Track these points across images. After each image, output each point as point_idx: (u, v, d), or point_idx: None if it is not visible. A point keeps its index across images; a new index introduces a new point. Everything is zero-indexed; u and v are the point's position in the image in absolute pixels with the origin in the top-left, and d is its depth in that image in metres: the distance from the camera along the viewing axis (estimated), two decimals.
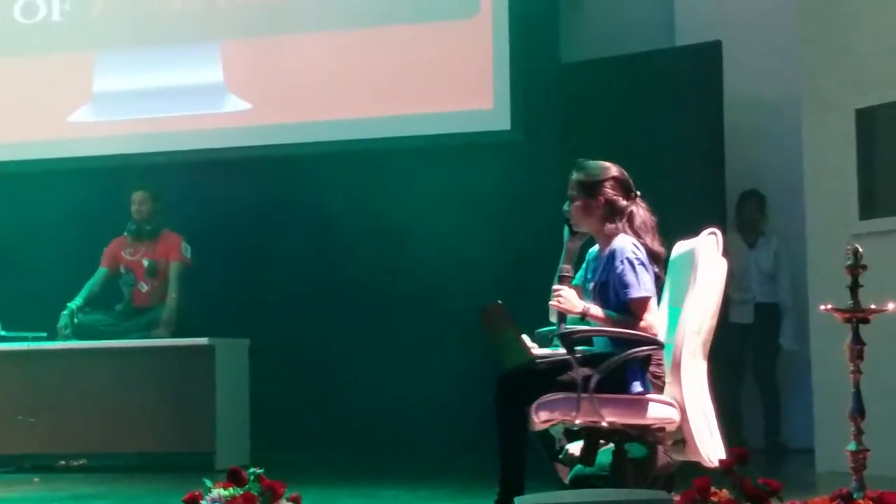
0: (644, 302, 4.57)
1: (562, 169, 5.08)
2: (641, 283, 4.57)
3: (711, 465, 4.44)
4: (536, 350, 4.68)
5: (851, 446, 4.19)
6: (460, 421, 8.06)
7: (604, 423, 4.49)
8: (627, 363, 4.54)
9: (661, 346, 4.60)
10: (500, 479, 4.52)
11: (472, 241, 8.41)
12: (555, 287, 4.65)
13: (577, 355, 4.52)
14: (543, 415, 4.47)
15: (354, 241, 8.76)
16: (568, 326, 4.59)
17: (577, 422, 4.49)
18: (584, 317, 4.61)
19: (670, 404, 4.56)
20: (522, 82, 8.63)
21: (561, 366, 4.55)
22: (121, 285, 8.33)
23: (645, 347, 4.56)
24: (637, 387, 4.52)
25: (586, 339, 4.72)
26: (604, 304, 4.64)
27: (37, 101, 9.31)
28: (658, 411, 4.55)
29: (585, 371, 4.48)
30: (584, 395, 4.43)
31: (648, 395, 4.55)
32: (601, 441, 4.63)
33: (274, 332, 8.56)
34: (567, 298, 4.61)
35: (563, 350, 4.58)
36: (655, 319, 4.60)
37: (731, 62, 8.24)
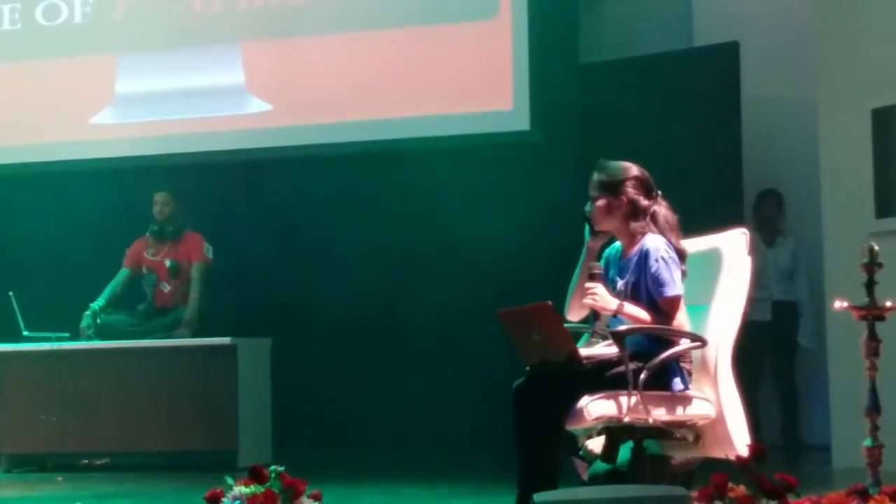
0: (677, 300, 4.61)
1: (581, 169, 5.12)
2: (676, 281, 4.61)
3: (737, 460, 4.46)
4: (584, 350, 4.67)
5: (867, 442, 4.22)
6: (481, 418, 8.09)
7: (650, 420, 4.51)
8: (666, 361, 4.57)
9: (704, 343, 4.64)
10: (522, 478, 4.51)
11: (491, 240, 8.43)
12: (588, 284, 4.64)
13: (612, 355, 4.55)
14: (595, 412, 4.47)
15: (375, 241, 8.79)
16: (611, 327, 4.61)
17: (626, 419, 4.50)
18: (616, 314, 4.63)
19: (707, 400, 4.62)
20: (541, 83, 8.65)
21: (604, 365, 4.58)
22: (143, 286, 8.39)
23: (691, 345, 4.60)
24: (678, 384, 4.57)
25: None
26: (636, 302, 4.66)
27: (59, 103, 9.37)
28: (698, 407, 4.61)
29: (634, 366, 4.50)
30: (634, 392, 4.47)
31: (689, 392, 4.60)
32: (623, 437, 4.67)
33: (296, 331, 8.61)
34: (602, 296, 4.62)
35: (604, 349, 4.61)
36: (684, 317, 4.64)
37: (749, 63, 8.27)
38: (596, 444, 4.71)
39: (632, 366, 4.50)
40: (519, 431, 4.56)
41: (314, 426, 8.56)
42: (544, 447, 4.50)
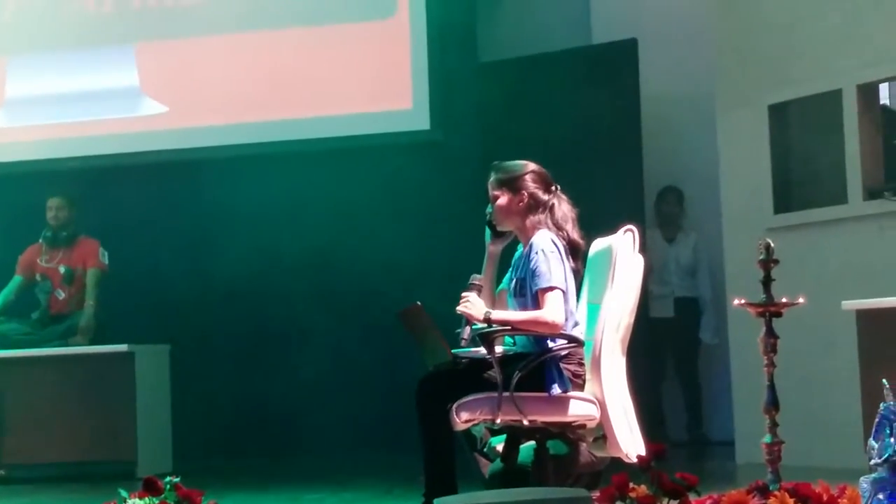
0: (551, 292, 4.54)
1: (481, 168, 5.08)
2: (553, 274, 4.55)
3: (631, 461, 4.45)
4: (459, 350, 4.66)
5: (766, 439, 4.23)
6: (386, 423, 8.05)
7: (525, 422, 4.49)
8: (545, 362, 4.54)
9: (580, 343, 4.60)
10: (426, 480, 4.51)
11: (392, 240, 8.40)
12: (463, 294, 4.63)
13: (497, 355, 4.52)
14: (464, 415, 4.46)
15: (274, 244, 8.70)
16: (477, 328, 4.57)
17: (498, 421, 4.48)
18: (489, 323, 4.58)
19: (590, 401, 4.56)
20: (441, 82, 8.63)
21: (481, 365, 4.55)
22: (37, 293, 8.19)
23: (564, 345, 4.56)
24: (556, 389, 4.51)
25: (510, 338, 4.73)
26: (523, 299, 4.64)
27: None
28: (578, 409, 4.55)
29: (505, 371, 4.47)
30: (504, 394, 4.43)
31: (568, 393, 4.56)
32: (523, 438, 4.64)
33: (195, 338, 8.49)
34: (472, 304, 4.60)
35: (482, 349, 4.58)
36: (559, 313, 4.54)
37: (647, 60, 8.30)
38: (501, 443, 4.69)
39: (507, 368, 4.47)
40: (420, 433, 4.54)
41: (216, 433, 8.46)
42: (439, 448, 4.49)
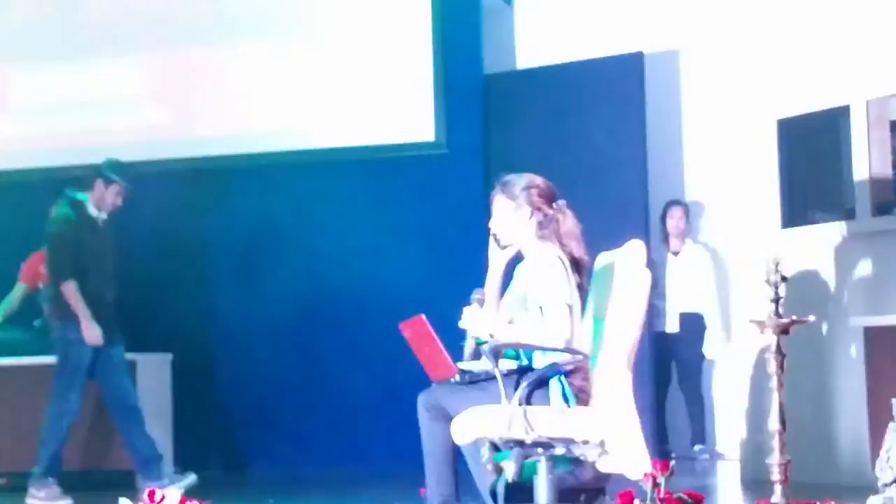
0: (557, 307, 4.53)
1: (485, 180, 5.06)
2: (558, 289, 4.54)
3: (636, 477, 4.42)
4: (463, 363, 4.63)
5: (774, 456, 4.20)
6: (386, 434, 8.02)
7: (529, 437, 4.45)
8: (550, 377, 4.51)
9: (584, 356, 4.58)
10: (428, 493, 4.50)
11: (394, 253, 8.36)
12: (466, 308, 4.63)
13: (503, 370, 4.48)
14: (467, 429, 4.43)
15: (275, 254, 8.68)
16: (480, 342, 4.55)
17: (504, 436, 4.44)
18: (493, 337, 4.55)
19: (595, 417, 4.53)
20: (446, 94, 8.60)
21: (485, 380, 4.52)
22: (39, 301, 8.16)
23: (569, 359, 4.53)
24: (560, 403, 4.49)
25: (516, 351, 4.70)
26: (527, 314, 4.61)
27: None
28: (583, 424, 4.51)
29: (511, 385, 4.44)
30: (509, 408, 4.39)
31: (574, 408, 4.53)
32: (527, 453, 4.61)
33: (197, 347, 8.48)
34: (475, 318, 4.59)
35: (486, 363, 4.54)
36: (565, 328, 4.52)
37: (653, 73, 8.29)
38: (503, 460, 4.65)
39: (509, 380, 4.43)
40: (422, 447, 4.54)
41: (217, 443, 8.43)
42: (440, 461, 4.51)
